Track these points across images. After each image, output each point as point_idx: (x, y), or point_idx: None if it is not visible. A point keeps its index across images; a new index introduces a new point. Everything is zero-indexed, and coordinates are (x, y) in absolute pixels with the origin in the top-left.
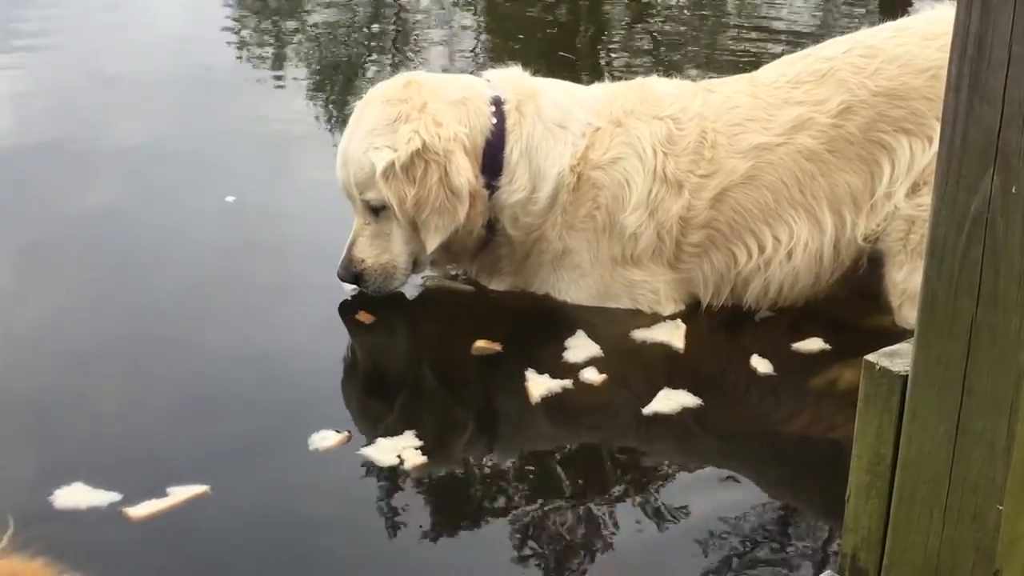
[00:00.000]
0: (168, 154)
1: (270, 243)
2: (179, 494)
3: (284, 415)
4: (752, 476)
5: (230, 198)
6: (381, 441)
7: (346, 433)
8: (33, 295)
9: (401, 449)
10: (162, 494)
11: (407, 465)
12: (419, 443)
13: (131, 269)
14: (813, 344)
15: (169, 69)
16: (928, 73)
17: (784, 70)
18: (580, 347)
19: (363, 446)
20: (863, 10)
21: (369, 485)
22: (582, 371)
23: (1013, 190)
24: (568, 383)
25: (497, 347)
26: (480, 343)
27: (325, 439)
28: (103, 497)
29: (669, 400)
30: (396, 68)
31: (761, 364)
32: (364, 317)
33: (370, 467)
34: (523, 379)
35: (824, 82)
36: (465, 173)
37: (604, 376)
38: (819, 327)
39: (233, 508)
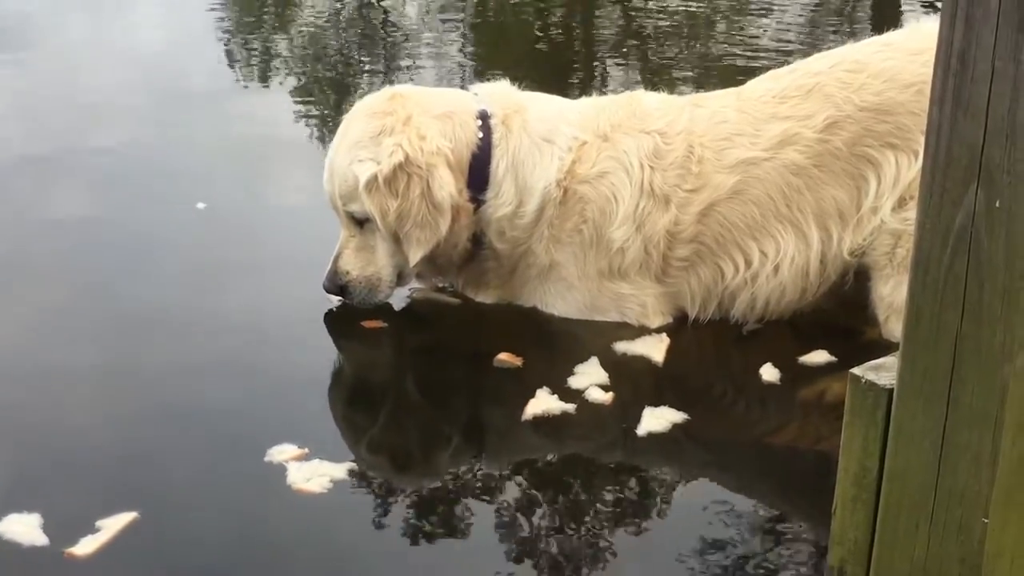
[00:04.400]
0: (142, 164)
1: (248, 254)
2: (111, 526)
3: (251, 428)
4: (739, 488)
5: (201, 205)
6: (315, 462)
7: (305, 448)
8: (1, 307)
9: (317, 476)
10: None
11: (302, 487)
12: (344, 477)
13: (102, 280)
14: (819, 356)
15: (149, 79)
16: (914, 88)
17: (771, 85)
18: (588, 373)
19: (295, 459)
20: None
21: (319, 502)
22: (587, 391)
23: (997, 204)
24: (571, 407)
25: (518, 362)
26: (503, 356)
27: (282, 452)
28: (39, 537)
29: (657, 418)
30: (384, 82)
31: (768, 373)
32: (371, 324)
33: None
34: (522, 396)
35: (810, 97)
36: (448, 187)
37: (611, 395)
38: (819, 338)
39: (188, 522)
